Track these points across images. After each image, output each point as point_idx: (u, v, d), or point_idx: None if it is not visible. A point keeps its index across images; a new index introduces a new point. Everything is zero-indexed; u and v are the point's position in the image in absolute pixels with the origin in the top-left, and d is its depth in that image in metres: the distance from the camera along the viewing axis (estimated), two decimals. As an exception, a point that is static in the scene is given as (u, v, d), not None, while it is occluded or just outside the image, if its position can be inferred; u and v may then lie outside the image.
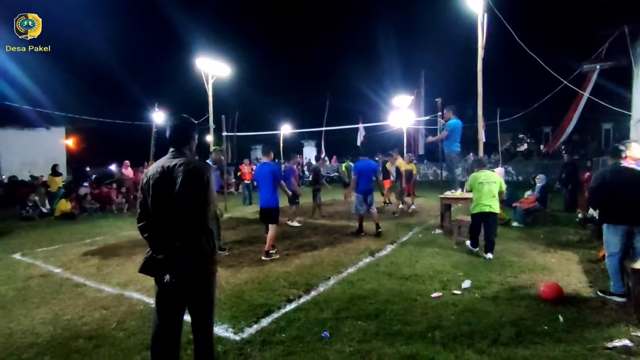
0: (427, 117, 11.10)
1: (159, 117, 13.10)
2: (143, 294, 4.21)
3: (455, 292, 4.15)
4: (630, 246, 3.94)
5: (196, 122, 2.47)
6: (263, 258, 5.53)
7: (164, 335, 2.30)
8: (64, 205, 9.76)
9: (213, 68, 11.38)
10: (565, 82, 7.50)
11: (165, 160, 2.29)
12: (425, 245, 6.31)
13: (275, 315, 3.63)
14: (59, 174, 11.36)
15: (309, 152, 26.06)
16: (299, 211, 8.68)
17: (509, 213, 8.32)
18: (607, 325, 3.32)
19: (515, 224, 7.94)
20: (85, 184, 11.60)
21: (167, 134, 2.37)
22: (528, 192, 8.84)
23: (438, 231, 7.28)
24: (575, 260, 5.38)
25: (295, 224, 8.30)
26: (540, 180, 8.32)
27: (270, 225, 5.57)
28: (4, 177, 13.53)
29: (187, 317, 2.29)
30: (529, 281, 4.47)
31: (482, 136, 7.12)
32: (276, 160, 21.34)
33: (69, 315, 3.74)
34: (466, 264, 5.16)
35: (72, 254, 6.20)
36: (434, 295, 4.06)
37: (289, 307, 3.83)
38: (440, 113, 7.77)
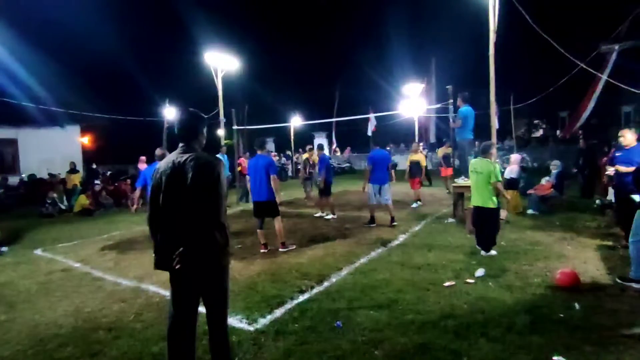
0: (438, 105, 10.90)
1: (170, 112, 13.25)
2: (159, 287, 4.30)
3: (469, 280, 4.12)
4: None
5: (205, 116, 2.47)
6: (280, 250, 5.55)
7: (180, 327, 2.36)
8: (83, 200, 10.02)
9: (222, 62, 11.41)
10: (582, 64, 7.22)
11: (175, 155, 2.31)
12: (437, 235, 6.27)
13: (288, 306, 3.67)
14: (76, 172, 11.64)
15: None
16: (330, 203, 8.33)
17: (524, 201, 8.19)
18: (625, 312, 3.26)
19: (530, 211, 7.81)
20: (97, 181, 11.83)
21: (176, 129, 2.40)
22: (545, 179, 8.65)
23: (451, 220, 7.22)
24: (593, 247, 5.27)
25: (330, 216, 8.12)
26: (556, 166, 8.13)
27: (274, 219, 5.55)
28: (23, 175, 13.92)
29: (202, 308, 2.34)
30: (545, 269, 4.41)
31: (495, 123, 6.97)
32: (277, 153, 21.39)
33: (90, 307, 3.86)
34: (479, 253, 5.10)
35: (91, 248, 6.37)
36: (447, 284, 4.04)
37: (302, 297, 3.86)
38: (451, 100, 7.62)
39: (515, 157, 9.10)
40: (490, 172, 4.93)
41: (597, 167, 9.14)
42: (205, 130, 2.45)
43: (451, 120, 7.29)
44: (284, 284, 4.22)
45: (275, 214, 5.58)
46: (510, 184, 8.27)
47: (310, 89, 28.52)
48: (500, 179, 4.97)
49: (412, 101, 14.41)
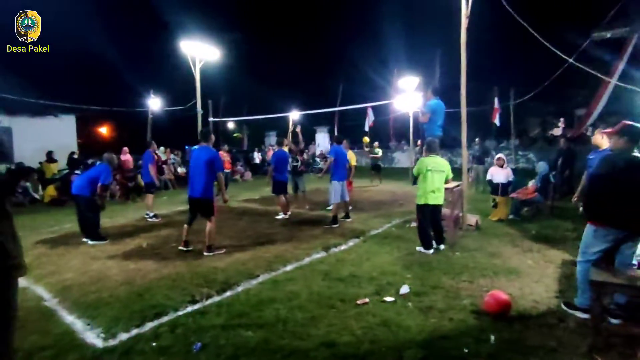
0: (408, 96, 10.19)
1: (155, 103, 13.05)
2: (51, 291, 3.90)
3: (387, 298, 3.56)
4: (614, 251, 3.12)
5: None
6: (205, 254, 5.03)
7: None
8: (51, 190, 9.89)
9: (200, 51, 11.00)
10: (570, 60, 6.33)
11: None
12: (392, 240, 5.69)
13: (164, 318, 3.22)
14: (54, 161, 11.54)
15: (322, 139, 25.33)
16: (286, 202, 7.67)
17: (509, 203, 7.46)
18: (547, 351, 2.64)
19: (511, 216, 7.08)
20: (77, 171, 11.68)
21: None
22: (531, 181, 7.85)
23: (414, 224, 6.56)
24: (558, 262, 4.58)
25: (280, 216, 7.58)
26: (540, 168, 7.33)
27: (207, 220, 5.05)
28: (12, 165, 14.02)
29: None
30: (484, 288, 3.78)
31: (464, 118, 6.24)
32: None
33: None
34: (422, 264, 4.51)
35: (28, 242, 6.07)
36: (359, 301, 3.50)
37: (188, 309, 3.41)
38: (422, 93, 6.95)
39: (502, 157, 8.22)
40: (449, 170, 5.12)
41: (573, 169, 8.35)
42: None
43: (420, 114, 6.60)
44: (180, 291, 3.78)
45: (208, 215, 5.06)
46: (502, 190, 7.33)
47: (312, 83, 27.86)
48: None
49: (408, 95, 13.61)
